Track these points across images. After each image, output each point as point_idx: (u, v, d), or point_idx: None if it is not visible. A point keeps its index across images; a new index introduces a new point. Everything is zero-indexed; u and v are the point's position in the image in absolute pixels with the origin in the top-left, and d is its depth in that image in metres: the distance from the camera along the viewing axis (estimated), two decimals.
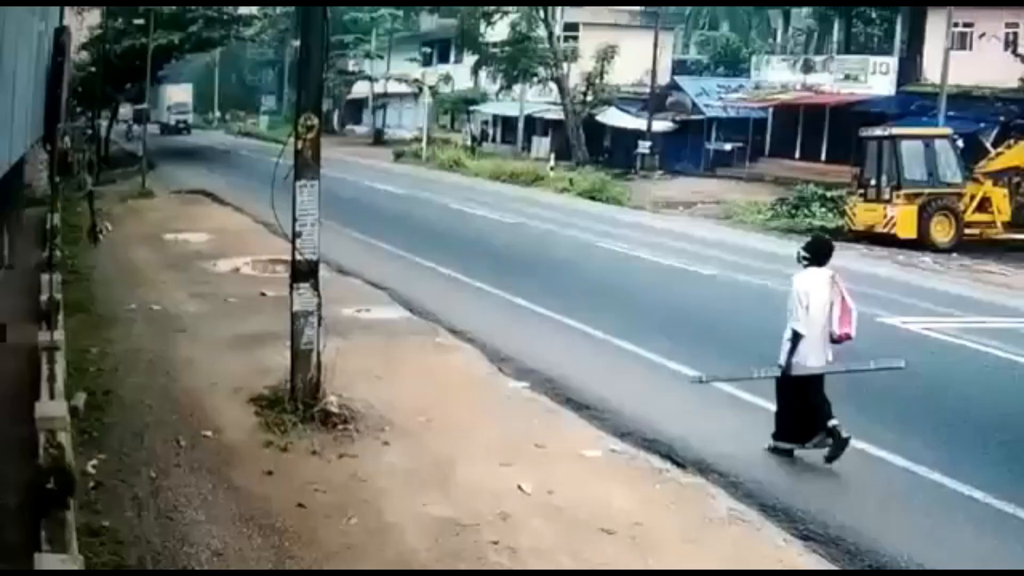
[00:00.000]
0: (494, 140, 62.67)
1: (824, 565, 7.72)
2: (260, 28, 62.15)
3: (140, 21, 40.71)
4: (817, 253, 9.97)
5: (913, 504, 8.91)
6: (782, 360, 9.63)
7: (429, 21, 73.22)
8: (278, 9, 74.21)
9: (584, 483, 8.93)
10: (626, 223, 29.55)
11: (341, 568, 7.24)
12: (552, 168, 44.91)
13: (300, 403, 10.13)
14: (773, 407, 10.02)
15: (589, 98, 50.22)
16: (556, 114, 52.33)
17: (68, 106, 19.43)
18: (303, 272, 10.46)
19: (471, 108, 62.52)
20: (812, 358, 9.61)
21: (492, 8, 49.94)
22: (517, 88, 53.47)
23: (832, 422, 9.41)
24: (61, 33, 12.72)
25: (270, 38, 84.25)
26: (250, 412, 10.26)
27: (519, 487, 8.67)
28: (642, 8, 59.33)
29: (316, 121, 10.43)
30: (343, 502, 8.23)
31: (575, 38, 54.46)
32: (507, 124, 61.31)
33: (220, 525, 7.71)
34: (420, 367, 12.53)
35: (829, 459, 9.42)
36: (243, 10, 51.31)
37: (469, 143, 58.47)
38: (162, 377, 11.54)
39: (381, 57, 72.59)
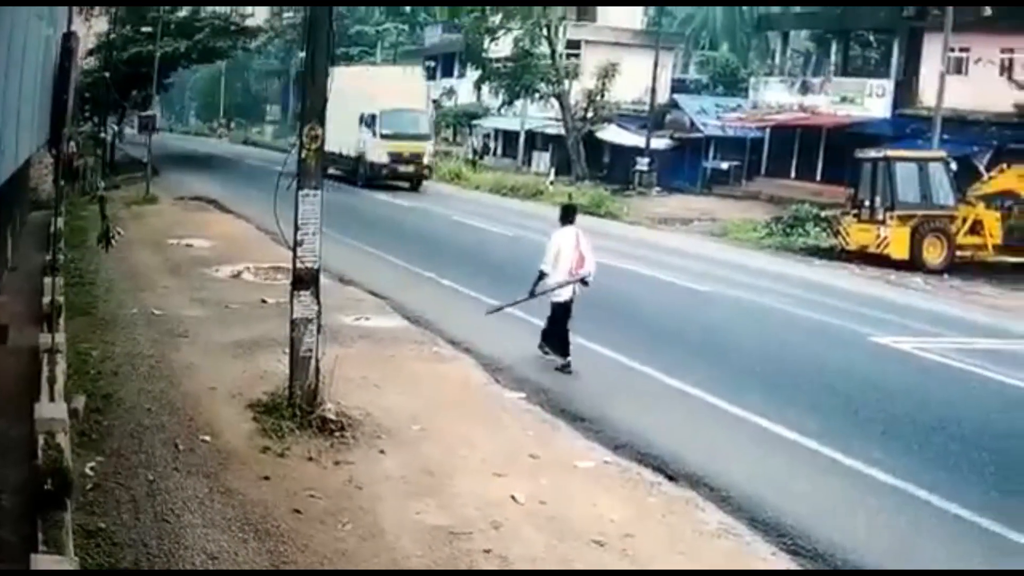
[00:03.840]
0: (495, 154, 62.84)
1: None
2: (266, 39, 62.34)
3: (148, 29, 40.92)
4: (567, 216, 13.55)
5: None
6: (530, 290, 13.36)
7: (433, 35, 73.48)
8: (284, 20, 74.55)
9: (577, 494, 9.02)
10: (622, 238, 29.60)
11: None
12: (552, 183, 45.08)
13: (298, 409, 10.21)
14: None
15: (589, 115, 50.42)
16: (557, 130, 52.54)
17: (74, 111, 19.51)
18: (304, 280, 10.54)
19: (473, 122, 62.80)
20: (564, 292, 13.17)
21: (496, 24, 50.12)
22: (519, 103, 53.70)
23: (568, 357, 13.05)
24: (69, 38, 12.82)
25: (276, 49, 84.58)
26: (248, 417, 10.32)
27: (512, 497, 8.76)
28: (644, 27, 59.76)
29: (320, 132, 10.55)
30: (338, 508, 8.31)
31: (577, 55, 54.72)
32: (508, 138, 61.54)
33: (216, 529, 7.76)
34: (417, 376, 12.60)
35: (559, 367, 13.01)
36: (249, 21, 51.46)
37: (471, 156, 58.62)
38: (162, 381, 11.60)
39: None
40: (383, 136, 39.95)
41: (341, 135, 34.24)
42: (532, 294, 13.37)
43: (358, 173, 40.59)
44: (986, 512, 9.08)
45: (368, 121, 39.94)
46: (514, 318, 14.60)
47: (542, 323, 13.73)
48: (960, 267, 26.38)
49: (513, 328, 14.60)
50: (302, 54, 11.54)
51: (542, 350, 13.48)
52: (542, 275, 13.17)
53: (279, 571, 7.26)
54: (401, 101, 39.95)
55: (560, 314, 13.23)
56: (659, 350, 14.62)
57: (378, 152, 40.02)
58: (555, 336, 13.30)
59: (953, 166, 27.64)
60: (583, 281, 13.17)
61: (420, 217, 31.89)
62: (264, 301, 16.01)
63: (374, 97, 39.02)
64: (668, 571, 7.64)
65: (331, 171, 32.36)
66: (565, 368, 13.06)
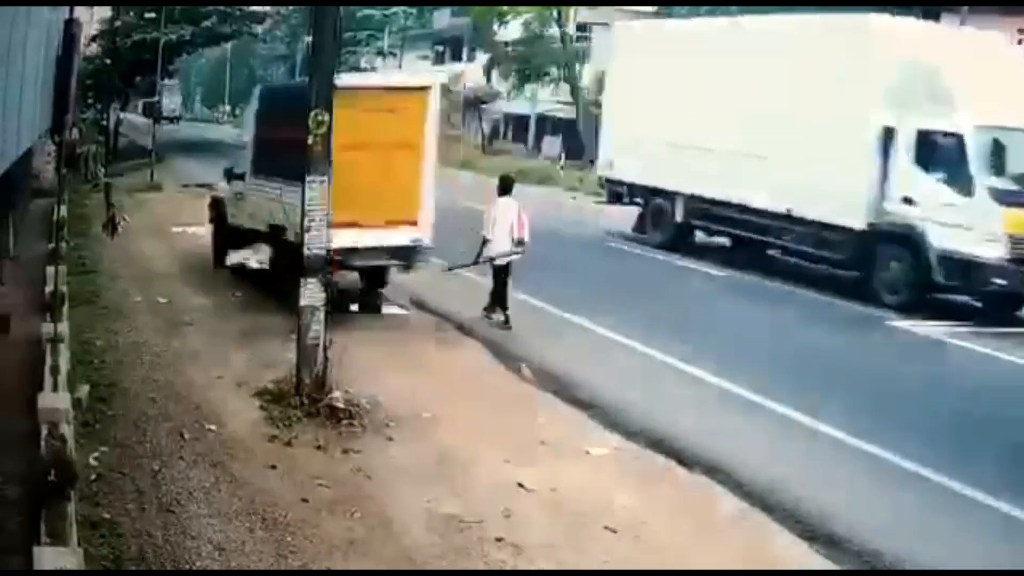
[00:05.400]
0: (505, 139, 62.66)
1: None
2: (272, 24, 62.07)
3: (152, 15, 40.75)
4: (505, 188, 14.96)
5: None
6: (476, 253, 14.68)
7: (442, 19, 73.23)
8: (290, 6, 74.27)
9: (589, 481, 8.88)
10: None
11: (344, 565, 7.17)
12: (562, 167, 44.85)
13: (305, 398, 10.09)
14: None
15: (600, 98, 50.06)
16: (567, 114, 52.27)
17: (77, 98, 19.38)
18: (311, 267, 10.41)
19: (482, 106, 62.51)
20: (506, 255, 14.49)
21: (506, 7, 49.83)
22: (529, 87, 53.36)
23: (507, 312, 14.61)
24: (71, 24, 12.64)
25: (282, 34, 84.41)
26: (255, 406, 10.20)
27: (523, 484, 8.62)
28: (655, 9, 59.28)
29: (327, 117, 10.36)
30: (347, 497, 8.17)
31: (588, 38, 54.37)
32: (518, 123, 61.33)
33: (222, 519, 7.63)
34: (426, 363, 12.49)
35: (498, 323, 14.51)
36: (255, 5, 51.29)
37: (480, 141, 58.44)
38: (167, 370, 11.48)
39: (394, 55, 72.45)
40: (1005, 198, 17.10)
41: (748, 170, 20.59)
42: (478, 257, 14.70)
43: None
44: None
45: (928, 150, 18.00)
46: (517, 306, 14.84)
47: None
48: None
49: (518, 317, 14.50)
50: (308, 39, 11.37)
51: (485, 315, 14.82)
52: (485, 241, 14.54)
53: (279, 571, 7.11)
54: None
55: (503, 275, 14.65)
56: (665, 334, 14.49)
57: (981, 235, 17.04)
58: (497, 294, 14.75)
59: None
60: (519, 243, 14.47)
61: None
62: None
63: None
64: (668, 571, 7.47)
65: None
66: (505, 324, 14.48)
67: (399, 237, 14.19)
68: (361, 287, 15.21)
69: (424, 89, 14.59)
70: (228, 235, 17.48)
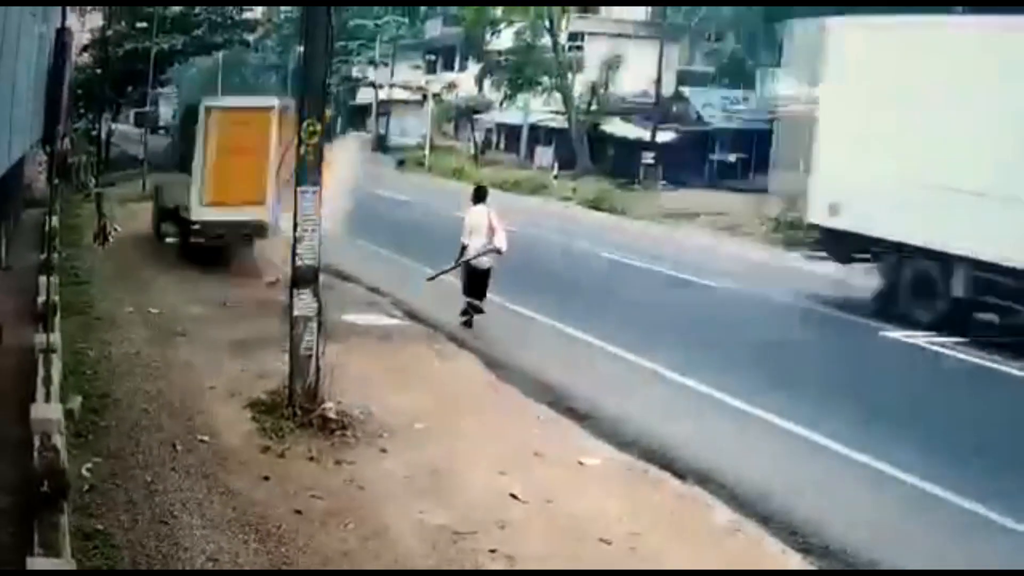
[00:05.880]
0: (497, 148, 62.61)
1: None
2: (264, 33, 61.93)
3: (143, 24, 40.67)
4: (479, 197, 15.74)
5: None
6: (456, 259, 15.36)
7: (434, 29, 73.22)
8: (282, 15, 74.10)
9: (582, 491, 8.87)
10: (626, 233, 29.54)
11: None
12: (555, 177, 44.89)
13: (298, 409, 10.08)
14: None
15: (593, 108, 50.13)
16: (560, 123, 52.29)
17: (69, 108, 19.38)
18: (304, 278, 10.39)
19: (475, 116, 62.44)
20: (483, 261, 15.19)
21: (498, 16, 49.76)
22: (521, 97, 53.32)
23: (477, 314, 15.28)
24: (63, 34, 12.66)
25: (274, 43, 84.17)
26: (247, 417, 10.19)
27: (516, 495, 8.61)
28: (648, 18, 59.32)
29: (319, 127, 10.37)
30: (340, 508, 8.16)
31: (580, 47, 54.38)
32: (511, 133, 61.29)
33: (216, 530, 7.62)
34: (418, 374, 12.49)
35: (464, 323, 15.32)
36: (247, 14, 51.20)
37: (472, 151, 58.41)
38: (159, 380, 11.45)
39: (386, 64, 72.28)
40: None
41: None
42: (457, 262, 15.45)
43: None
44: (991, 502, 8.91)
45: None
46: (511, 317, 15.05)
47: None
48: None
49: (511, 329, 14.49)
50: (301, 48, 11.40)
51: (464, 316, 15.47)
52: (464, 247, 15.28)
53: (279, 571, 7.11)
54: None
55: (480, 280, 15.39)
56: (661, 346, 14.48)
57: None
58: (474, 296, 15.41)
59: None
60: (497, 251, 15.20)
61: (419, 213, 31.69)
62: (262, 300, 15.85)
63: None
64: (667, 571, 7.49)
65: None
66: (467, 323, 15.37)
67: (248, 214, 18.39)
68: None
69: (269, 108, 18.73)
70: (159, 214, 21.75)
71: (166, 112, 73.10)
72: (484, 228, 15.26)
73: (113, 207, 25.66)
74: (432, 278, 16.17)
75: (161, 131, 68.13)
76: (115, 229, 21.96)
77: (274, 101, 19.35)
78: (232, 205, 18.13)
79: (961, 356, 15.23)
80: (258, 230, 18.64)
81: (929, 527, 8.79)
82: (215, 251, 18.94)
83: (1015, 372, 14.29)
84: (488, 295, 15.45)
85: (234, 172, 18.10)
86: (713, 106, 48.71)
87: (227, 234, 18.63)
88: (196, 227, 18.45)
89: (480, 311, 15.42)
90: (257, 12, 56.18)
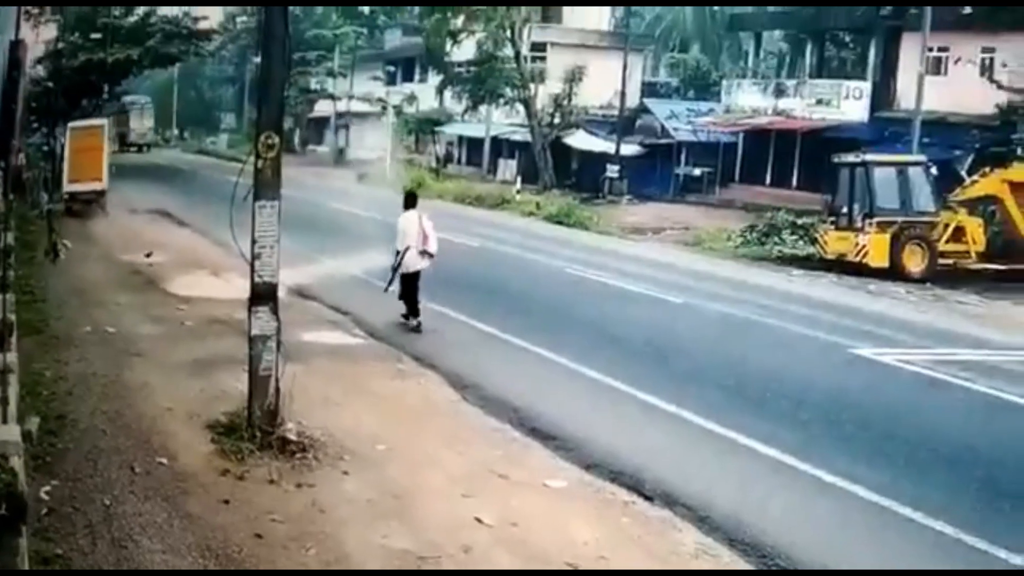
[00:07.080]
0: (459, 162, 62.50)
1: None
2: (220, 43, 61.39)
3: (98, 35, 40.27)
4: (410, 202, 16.50)
5: None
6: (392, 265, 16.07)
7: (393, 39, 72.97)
8: (239, 24, 73.45)
9: (548, 515, 8.78)
10: (591, 248, 29.49)
11: None
12: (518, 191, 44.69)
13: (258, 430, 9.89)
14: None
15: (556, 120, 49.95)
16: (523, 136, 52.18)
17: (23, 122, 19.05)
18: (262, 295, 10.22)
19: (436, 129, 62.16)
20: (413, 265, 15.95)
21: (459, 26, 49.48)
22: (483, 109, 53.13)
23: (419, 318, 16.10)
24: (16, 47, 12.41)
25: (231, 54, 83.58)
26: (206, 439, 10.01)
27: (481, 519, 8.51)
28: (612, 28, 59.44)
29: (277, 140, 10.20)
30: (301, 532, 8.04)
31: (543, 58, 54.32)
32: (473, 145, 61.15)
33: (175, 554, 7.50)
34: (381, 394, 12.36)
35: (411, 328, 15.97)
36: (203, 24, 50.75)
37: (433, 164, 58.18)
38: (117, 401, 11.25)
39: (344, 75, 72.01)
40: None
41: None
42: (394, 269, 16.11)
43: None
44: (970, 528, 8.89)
45: None
46: (475, 335, 14.78)
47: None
48: (942, 275, 25.84)
49: (476, 348, 14.35)
50: (257, 59, 11.26)
51: (404, 319, 16.19)
52: (399, 253, 16.00)
53: (279, 571, 6.96)
54: None
55: (412, 283, 16.07)
56: (626, 364, 14.46)
57: None
58: (408, 301, 16.13)
59: (933, 171, 27.10)
60: (428, 254, 16.00)
61: (380, 228, 31.33)
62: (220, 318, 15.64)
63: None
64: (667, 571, 7.46)
65: None
66: (416, 328, 15.96)
67: (93, 186, 29.67)
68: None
69: (100, 126, 31.81)
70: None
71: (137, 126, 71.42)
72: (415, 233, 15.97)
73: (68, 224, 25.38)
74: (387, 288, 16.40)
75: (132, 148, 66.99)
76: (64, 245, 21.66)
77: (104, 121, 33.57)
78: (82, 181, 29.26)
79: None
80: (99, 196, 29.74)
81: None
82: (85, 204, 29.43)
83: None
84: (452, 313, 15.35)
85: (84, 162, 29.30)
86: (678, 118, 48.73)
87: (82, 197, 29.51)
88: (66, 195, 29.33)
89: (416, 313, 16.04)
90: (213, 22, 55.61)
